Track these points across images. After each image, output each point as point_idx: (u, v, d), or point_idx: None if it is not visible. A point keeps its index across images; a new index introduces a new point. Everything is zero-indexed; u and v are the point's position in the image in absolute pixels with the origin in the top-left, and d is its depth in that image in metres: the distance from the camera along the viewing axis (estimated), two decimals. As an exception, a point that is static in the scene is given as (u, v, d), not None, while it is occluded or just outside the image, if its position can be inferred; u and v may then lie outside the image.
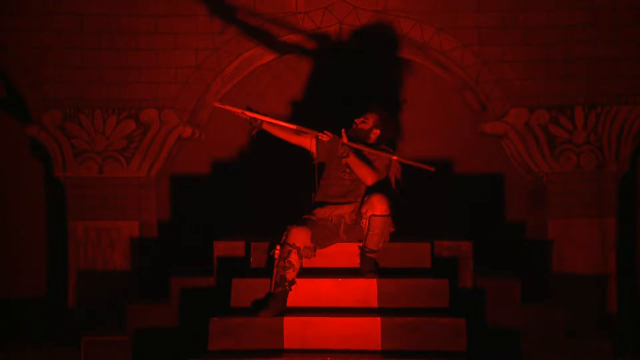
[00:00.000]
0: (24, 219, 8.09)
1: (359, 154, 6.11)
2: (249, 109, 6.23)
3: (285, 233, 5.87)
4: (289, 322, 5.59)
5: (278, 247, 5.85)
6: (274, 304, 5.71)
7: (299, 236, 5.84)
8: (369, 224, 5.96)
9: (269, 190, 7.79)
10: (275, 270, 5.79)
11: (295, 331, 5.57)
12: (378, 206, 5.93)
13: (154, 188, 7.70)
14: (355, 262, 6.08)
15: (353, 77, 7.96)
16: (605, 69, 7.43)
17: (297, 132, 6.33)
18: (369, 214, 5.94)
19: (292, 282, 5.78)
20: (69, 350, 7.02)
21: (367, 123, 6.27)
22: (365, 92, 7.84)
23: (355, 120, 6.29)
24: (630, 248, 7.88)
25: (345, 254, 6.19)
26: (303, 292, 5.87)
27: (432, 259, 6.34)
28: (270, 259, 5.92)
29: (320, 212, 6.11)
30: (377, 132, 6.29)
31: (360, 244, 6.04)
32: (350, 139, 6.08)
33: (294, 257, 5.79)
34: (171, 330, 6.50)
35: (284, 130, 6.32)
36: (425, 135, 7.96)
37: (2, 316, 7.96)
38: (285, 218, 6.06)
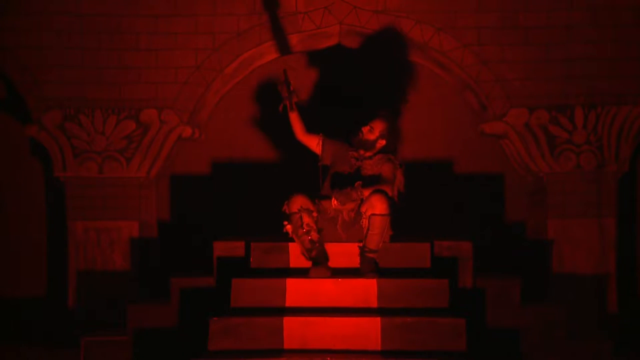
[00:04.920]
0: (24, 219, 8.09)
1: (371, 181, 6.13)
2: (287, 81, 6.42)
3: (286, 204, 6.03)
4: (289, 322, 5.59)
5: (286, 222, 6.03)
6: (320, 267, 5.90)
7: (299, 201, 5.99)
8: (368, 223, 5.98)
9: (269, 190, 7.79)
10: (299, 241, 6.01)
11: (295, 331, 5.57)
12: (377, 205, 5.94)
13: (154, 188, 7.71)
14: (355, 262, 6.09)
15: (353, 77, 7.96)
16: (605, 69, 7.43)
17: (309, 135, 6.46)
18: (369, 213, 5.96)
19: (320, 240, 5.99)
20: (69, 350, 7.02)
21: (374, 133, 6.26)
22: (365, 92, 7.85)
23: (362, 129, 6.28)
24: (630, 248, 7.88)
25: (345, 254, 6.19)
26: (303, 292, 5.87)
27: (432, 259, 6.34)
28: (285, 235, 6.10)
29: (322, 202, 6.17)
30: (383, 142, 6.30)
31: (360, 244, 6.06)
32: (353, 146, 6.26)
33: (306, 219, 5.96)
34: (171, 330, 6.50)
35: (297, 120, 6.46)
36: (425, 135, 7.96)
37: (2, 316, 7.96)
38: (285, 218, 6.08)
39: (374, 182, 6.15)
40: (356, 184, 6.07)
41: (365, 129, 6.28)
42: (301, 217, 5.97)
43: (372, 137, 6.27)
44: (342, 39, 7.71)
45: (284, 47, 7.63)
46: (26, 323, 7.96)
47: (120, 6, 7.52)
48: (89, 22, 7.51)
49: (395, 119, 6.43)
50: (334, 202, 6.04)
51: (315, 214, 6.06)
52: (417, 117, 7.96)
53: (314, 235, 6.01)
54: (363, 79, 7.94)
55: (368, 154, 6.30)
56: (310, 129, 6.53)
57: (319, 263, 5.97)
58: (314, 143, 6.48)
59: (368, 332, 5.55)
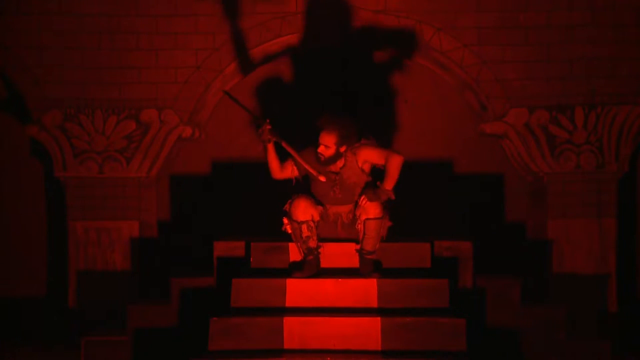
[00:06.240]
0: (24, 219, 8.09)
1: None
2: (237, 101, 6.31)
3: (289, 202, 6.04)
4: (289, 322, 5.60)
5: (285, 220, 6.06)
6: (308, 268, 6.00)
7: (302, 207, 5.98)
8: (364, 227, 6.01)
9: (269, 190, 7.79)
10: (297, 244, 6.05)
11: (295, 331, 5.57)
12: (371, 210, 5.97)
13: (154, 188, 7.70)
14: (355, 262, 6.10)
15: (353, 77, 7.95)
16: (605, 69, 7.43)
17: (283, 167, 6.25)
18: (363, 217, 5.99)
19: (319, 247, 6.04)
20: (69, 350, 7.02)
21: (330, 148, 6.01)
22: (365, 91, 7.85)
23: (318, 151, 6.02)
24: (630, 248, 7.88)
25: (345, 254, 6.20)
26: (303, 292, 5.88)
27: (432, 259, 6.34)
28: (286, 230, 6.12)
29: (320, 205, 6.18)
30: (344, 147, 6.05)
31: (358, 247, 6.07)
32: (324, 164, 6.06)
33: (306, 232, 5.99)
34: (171, 330, 6.50)
35: (275, 159, 6.20)
36: (425, 135, 7.96)
37: (2, 316, 7.96)
38: (285, 215, 6.09)
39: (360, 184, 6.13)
40: (378, 183, 6.03)
41: (320, 150, 6.03)
42: (300, 229, 6.00)
43: (331, 151, 6.03)
44: (342, 38, 7.70)
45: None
46: (26, 323, 7.96)
47: (120, 6, 7.51)
48: (89, 22, 7.51)
49: (341, 114, 6.13)
50: (364, 199, 5.95)
51: (317, 219, 6.06)
52: (417, 117, 7.96)
53: (312, 243, 6.03)
54: (363, 78, 7.94)
55: (339, 164, 6.13)
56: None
57: (308, 266, 6.01)
58: (289, 172, 6.26)
59: (368, 332, 5.55)
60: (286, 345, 5.57)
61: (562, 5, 7.45)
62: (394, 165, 6.01)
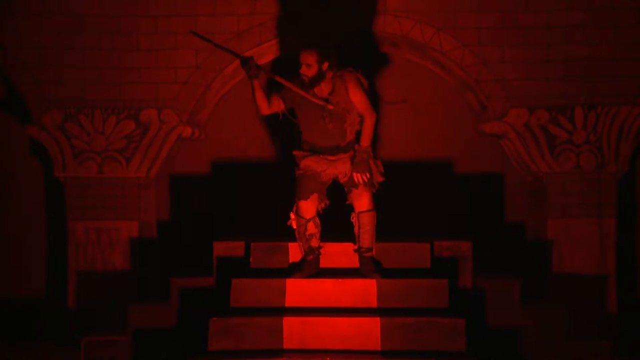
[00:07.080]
0: (24, 219, 8.09)
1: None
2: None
3: (295, 206, 6.04)
4: (289, 322, 5.60)
5: (292, 214, 6.07)
6: (307, 268, 6.04)
7: (306, 208, 6.00)
8: (358, 221, 6.03)
9: (269, 190, 7.80)
10: (300, 242, 6.07)
11: (295, 331, 5.58)
12: (363, 203, 6.01)
13: (153, 188, 7.70)
14: (355, 261, 6.10)
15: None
16: (605, 69, 7.43)
17: (270, 102, 6.10)
18: (357, 211, 6.00)
19: (320, 247, 6.09)
20: (69, 351, 7.02)
21: (312, 67, 5.91)
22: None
23: (300, 72, 5.94)
24: (630, 248, 7.88)
25: (345, 254, 6.21)
26: (303, 292, 5.88)
27: (432, 259, 6.35)
28: (291, 226, 6.13)
29: (314, 165, 6.06)
30: (326, 64, 5.94)
31: (355, 246, 6.07)
32: (308, 90, 5.95)
33: (311, 228, 6.02)
34: (171, 330, 6.50)
35: (262, 96, 6.07)
36: (425, 135, 7.96)
37: (2, 316, 7.96)
38: (285, 218, 6.09)
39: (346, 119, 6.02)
40: (356, 146, 5.99)
41: (303, 70, 5.93)
42: (306, 226, 6.03)
43: (314, 70, 5.92)
44: (342, 38, 7.70)
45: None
46: (26, 323, 7.96)
47: (120, 6, 7.51)
48: (89, 22, 7.51)
49: (318, 39, 6.09)
50: (356, 175, 5.94)
51: (322, 208, 6.08)
52: (417, 117, 7.96)
53: (314, 242, 6.06)
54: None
55: (325, 88, 6.00)
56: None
57: (308, 266, 6.04)
58: (275, 106, 6.13)
59: (368, 332, 5.55)
60: (286, 345, 5.57)
61: (562, 5, 7.44)
62: (369, 123, 6.01)
